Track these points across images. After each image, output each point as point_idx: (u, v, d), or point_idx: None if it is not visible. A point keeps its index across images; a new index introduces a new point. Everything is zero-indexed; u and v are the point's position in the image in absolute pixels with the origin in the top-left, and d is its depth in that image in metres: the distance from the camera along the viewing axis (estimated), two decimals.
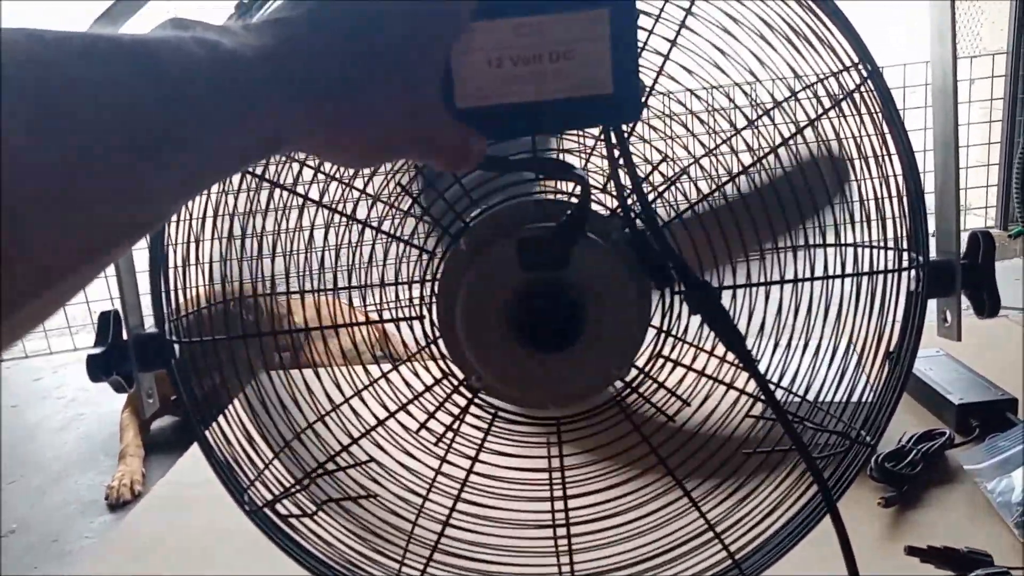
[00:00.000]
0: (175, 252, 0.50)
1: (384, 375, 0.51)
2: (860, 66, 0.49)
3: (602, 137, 0.45)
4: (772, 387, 0.50)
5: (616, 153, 0.43)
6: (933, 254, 0.52)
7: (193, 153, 0.25)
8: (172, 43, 0.25)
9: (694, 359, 0.50)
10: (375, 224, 0.48)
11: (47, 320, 0.24)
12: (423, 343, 0.49)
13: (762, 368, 0.49)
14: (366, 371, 0.52)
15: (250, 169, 0.48)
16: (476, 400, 0.49)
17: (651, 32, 0.47)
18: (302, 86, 0.29)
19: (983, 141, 2.84)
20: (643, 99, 0.47)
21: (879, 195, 0.49)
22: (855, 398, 0.53)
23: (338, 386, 0.52)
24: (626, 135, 0.44)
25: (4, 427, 2.20)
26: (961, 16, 3.04)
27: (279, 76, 0.29)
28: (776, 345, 0.51)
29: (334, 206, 0.48)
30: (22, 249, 0.20)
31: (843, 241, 0.52)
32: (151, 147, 0.24)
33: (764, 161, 0.49)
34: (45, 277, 0.22)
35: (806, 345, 0.51)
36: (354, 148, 0.33)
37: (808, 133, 0.49)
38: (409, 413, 0.50)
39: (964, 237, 0.53)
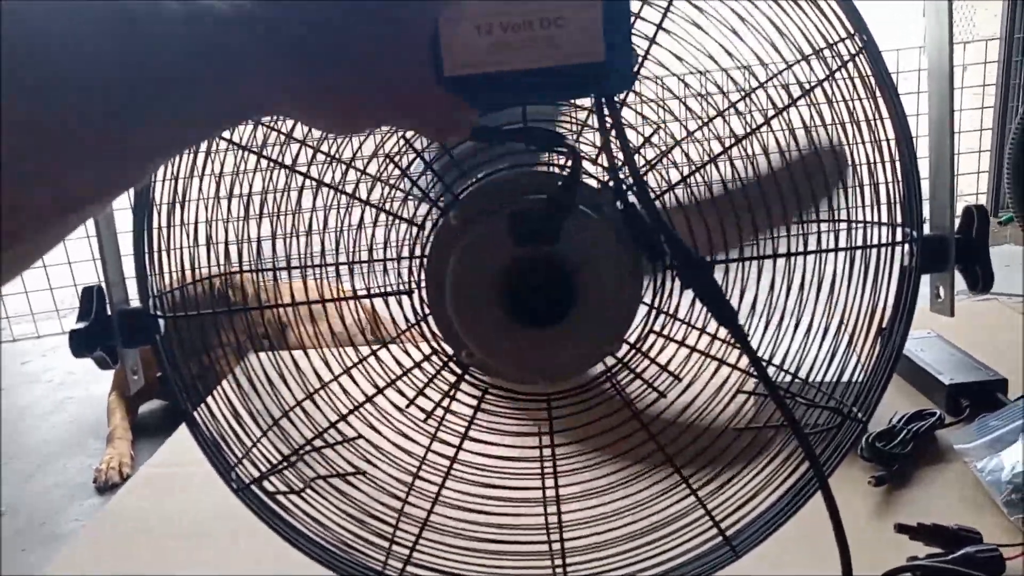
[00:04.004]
0: (160, 228, 0.49)
1: (373, 352, 0.51)
2: (856, 36, 0.49)
3: (593, 108, 0.44)
4: (764, 364, 0.49)
5: (608, 124, 0.43)
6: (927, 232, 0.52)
7: (172, 114, 0.25)
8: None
9: (685, 335, 0.50)
10: (363, 196, 0.47)
11: (23, 270, 0.23)
12: (412, 319, 0.49)
13: (753, 346, 0.49)
14: (355, 349, 0.51)
15: (235, 140, 0.47)
16: (466, 376, 0.48)
17: (643, 2, 0.46)
18: (284, 48, 0.29)
19: (975, 128, 2.84)
20: (635, 68, 0.46)
21: (873, 172, 0.49)
22: (846, 376, 0.53)
23: (327, 364, 0.51)
24: (618, 105, 0.44)
25: None
26: (955, 1, 3.02)
27: (261, 37, 0.28)
28: (768, 323, 0.51)
29: (321, 178, 0.47)
30: None
31: (837, 217, 0.52)
32: (127, 107, 0.23)
33: (758, 136, 0.48)
34: (15, 231, 0.21)
35: (798, 323, 0.51)
36: (337, 113, 0.33)
37: (803, 108, 0.49)
38: (399, 390, 0.49)
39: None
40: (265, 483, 0.51)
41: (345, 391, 0.49)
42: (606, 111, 0.43)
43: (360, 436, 0.48)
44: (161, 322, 0.50)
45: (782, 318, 0.50)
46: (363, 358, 0.51)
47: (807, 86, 0.48)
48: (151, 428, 1.97)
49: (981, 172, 2.89)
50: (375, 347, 0.51)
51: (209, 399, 0.52)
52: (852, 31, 0.49)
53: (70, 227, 0.23)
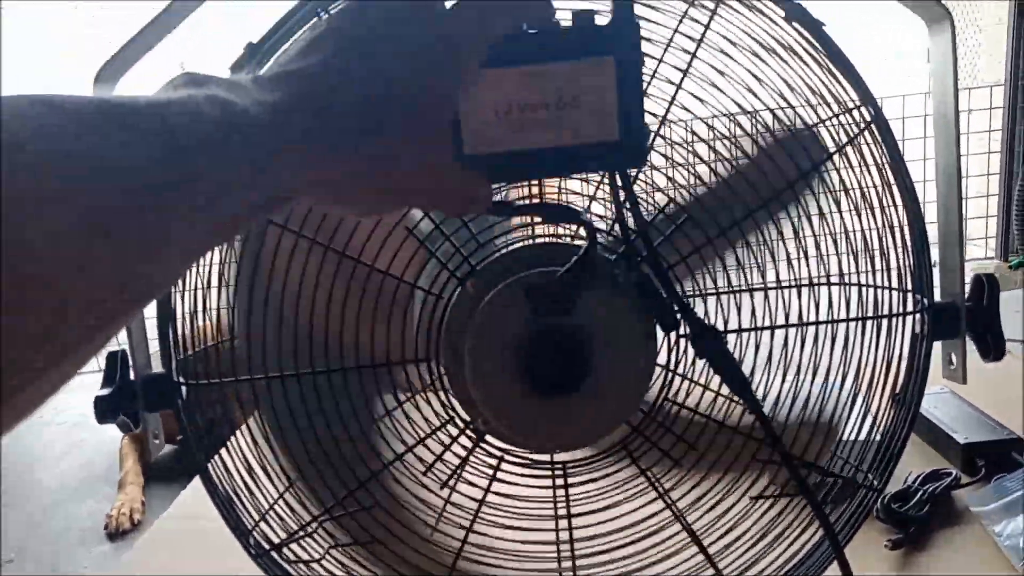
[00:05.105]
0: (183, 295, 0.50)
1: (388, 413, 0.51)
2: (863, 108, 0.50)
3: (607, 182, 0.45)
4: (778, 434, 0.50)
5: (621, 196, 0.44)
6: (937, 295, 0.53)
7: (203, 217, 0.26)
8: (186, 106, 0.26)
9: (701, 396, 0.50)
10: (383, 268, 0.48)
11: (57, 391, 0.24)
12: (428, 383, 0.49)
13: (768, 404, 0.50)
14: (368, 408, 0.51)
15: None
16: (481, 444, 0.49)
17: (656, 71, 0.48)
18: (312, 143, 0.30)
19: (982, 172, 2.86)
20: (648, 143, 0.48)
21: (884, 240, 0.50)
22: (863, 435, 0.53)
23: (344, 424, 0.51)
24: (631, 179, 0.45)
25: (4, 453, 2.19)
26: (959, 47, 3.05)
27: (290, 135, 0.29)
28: (784, 380, 0.51)
29: (344, 250, 0.48)
30: (26, 321, 0.20)
31: (848, 280, 0.52)
32: (162, 216, 0.24)
33: (770, 208, 0.49)
34: (49, 351, 0.22)
35: (812, 382, 0.51)
36: (363, 201, 0.34)
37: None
38: (415, 454, 0.49)
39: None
40: (284, 549, 0.51)
41: (361, 457, 0.49)
42: (619, 184, 0.44)
43: (376, 504, 0.49)
44: (183, 387, 0.51)
45: (797, 375, 0.51)
46: (378, 418, 0.51)
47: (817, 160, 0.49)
48: (164, 470, 1.97)
49: (990, 216, 2.90)
50: (391, 405, 0.52)
51: (226, 458, 0.53)
52: (859, 103, 0.50)
53: (101, 344, 0.24)
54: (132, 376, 0.52)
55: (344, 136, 0.31)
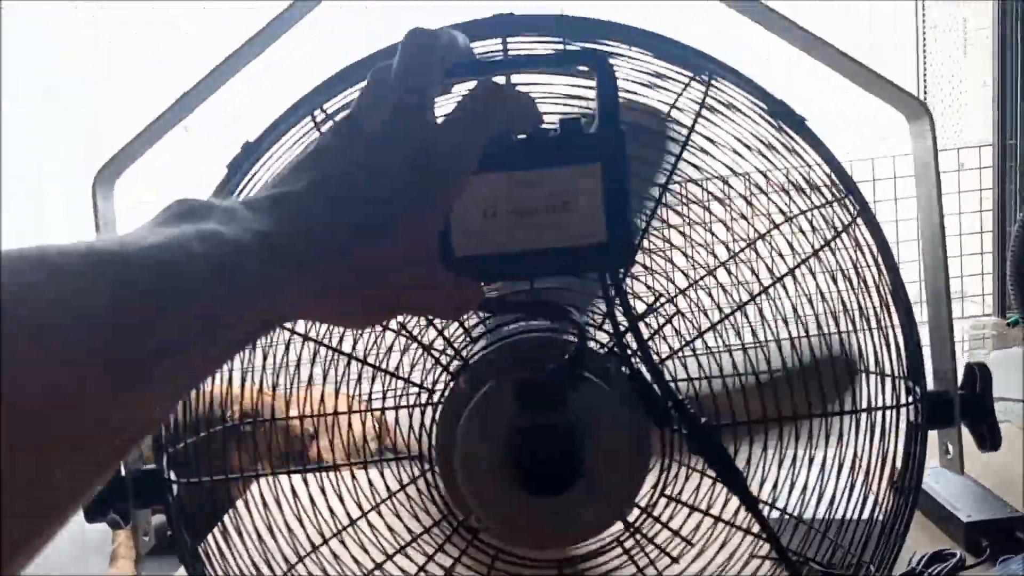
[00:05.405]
0: None
1: (377, 506, 0.51)
2: (848, 199, 0.51)
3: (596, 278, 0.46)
4: (771, 511, 0.49)
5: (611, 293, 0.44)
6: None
7: (194, 356, 0.26)
8: (175, 245, 0.26)
9: (699, 484, 0.50)
10: (375, 362, 0.49)
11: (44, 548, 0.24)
12: (418, 476, 0.49)
13: (766, 489, 0.49)
14: (358, 506, 0.51)
15: None
16: (475, 542, 0.48)
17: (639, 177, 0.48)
18: (303, 266, 0.30)
19: (976, 230, 2.88)
20: (636, 242, 0.48)
21: (876, 344, 0.50)
22: (860, 529, 0.52)
23: (334, 517, 0.51)
24: (621, 277, 0.45)
25: None
26: (945, 108, 3.11)
27: (280, 259, 0.29)
28: (780, 464, 0.51)
29: (339, 345, 0.48)
30: (26, 482, 0.20)
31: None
32: (153, 363, 0.24)
33: (756, 302, 0.49)
34: (41, 515, 0.22)
35: (809, 469, 0.51)
36: (356, 315, 0.34)
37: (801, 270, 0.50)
38: (406, 554, 0.49)
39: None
40: None
41: (353, 557, 0.49)
42: (609, 281, 0.44)
43: None
44: (174, 485, 0.50)
45: (793, 463, 0.50)
46: (365, 513, 0.50)
47: (803, 254, 0.49)
48: (157, 542, 1.92)
49: (985, 273, 2.91)
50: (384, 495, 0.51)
51: (214, 548, 0.52)
52: (843, 193, 0.51)
53: (98, 486, 0.24)
54: (123, 472, 0.52)
55: (333, 259, 0.31)
